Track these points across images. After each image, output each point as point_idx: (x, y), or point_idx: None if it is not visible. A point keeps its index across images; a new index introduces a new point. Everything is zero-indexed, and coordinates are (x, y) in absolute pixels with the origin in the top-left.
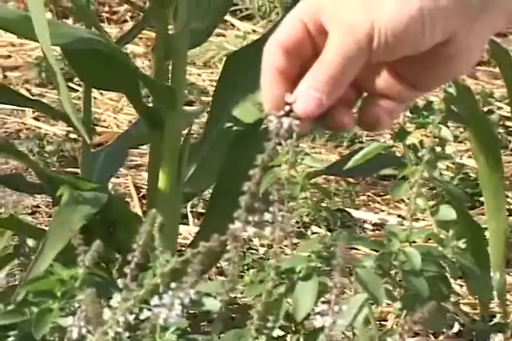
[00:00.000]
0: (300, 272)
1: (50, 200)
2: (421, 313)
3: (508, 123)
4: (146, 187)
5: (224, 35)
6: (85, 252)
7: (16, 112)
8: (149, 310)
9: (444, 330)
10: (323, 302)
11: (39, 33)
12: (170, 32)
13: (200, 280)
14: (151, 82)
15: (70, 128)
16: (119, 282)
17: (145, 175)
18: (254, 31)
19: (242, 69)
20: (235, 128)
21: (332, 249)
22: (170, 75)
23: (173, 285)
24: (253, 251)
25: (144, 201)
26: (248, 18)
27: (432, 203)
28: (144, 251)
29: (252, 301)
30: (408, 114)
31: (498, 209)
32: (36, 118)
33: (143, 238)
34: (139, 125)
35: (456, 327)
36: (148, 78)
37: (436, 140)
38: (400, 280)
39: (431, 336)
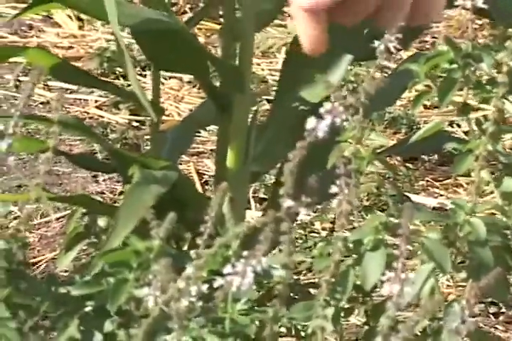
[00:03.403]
0: (367, 244)
1: (114, 187)
2: (487, 280)
3: None
4: (208, 173)
5: (282, 26)
6: (158, 226)
7: (78, 101)
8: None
9: (504, 311)
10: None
11: (109, 12)
12: (237, 14)
13: (270, 249)
14: (220, 62)
15: (133, 117)
16: (192, 253)
17: (207, 161)
18: None
19: None
20: (301, 108)
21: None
22: (238, 58)
23: (245, 253)
24: (315, 234)
25: (206, 187)
26: None
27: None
28: (215, 223)
29: (313, 280)
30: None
31: None
32: (99, 108)
33: (215, 209)
34: (205, 107)
35: None
36: (217, 59)
37: (500, 113)
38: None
39: (491, 316)
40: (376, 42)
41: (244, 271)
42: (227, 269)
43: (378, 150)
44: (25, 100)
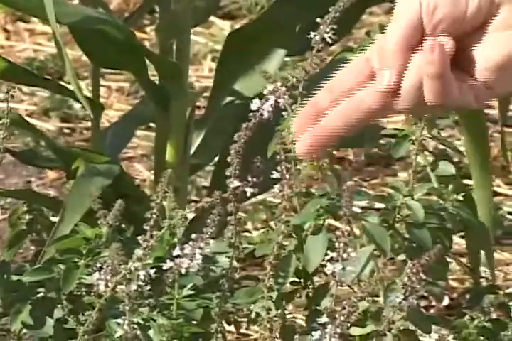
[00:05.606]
0: (308, 229)
1: (48, 192)
2: (425, 259)
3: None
4: (139, 177)
5: (206, 33)
6: (105, 216)
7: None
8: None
9: (434, 304)
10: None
11: (48, 11)
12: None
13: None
14: (158, 58)
15: (64, 124)
16: (140, 238)
17: (138, 166)
18: None
19: (244, 46)
20: (237, 102)
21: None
22: (174, 53)
23: (193, 236)
24: (247, 234)
25: None
26: (229, 16)
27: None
28: (160, 209)
29: (252, 271)
30: None
31: (484, 179)
32: (30, 116)
33: (160, 197)
34: (143, 105)
35: (446, 301)
36: (155, 55)
37: None
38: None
39: (422, 310)
40: (312, 33)
41: (193, 253)
42: (176, 251)
43: None
44: None
